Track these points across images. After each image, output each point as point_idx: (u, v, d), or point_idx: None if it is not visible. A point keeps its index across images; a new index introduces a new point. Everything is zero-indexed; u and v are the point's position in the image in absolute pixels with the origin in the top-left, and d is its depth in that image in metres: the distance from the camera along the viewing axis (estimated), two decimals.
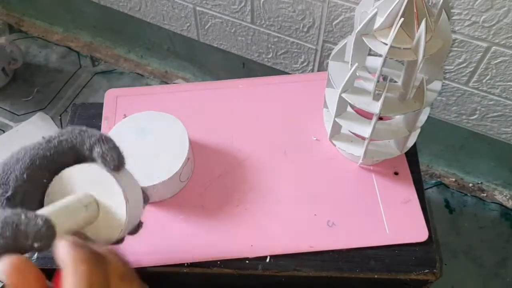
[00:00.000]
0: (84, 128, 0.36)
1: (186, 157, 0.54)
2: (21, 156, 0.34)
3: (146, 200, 0.40)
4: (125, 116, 0.64)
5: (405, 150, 0.57)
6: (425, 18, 0.42)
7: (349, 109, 0.55)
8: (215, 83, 0.68)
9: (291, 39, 0.90)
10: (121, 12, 1.07)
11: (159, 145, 0.56)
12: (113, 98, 0.66)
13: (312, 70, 0.95)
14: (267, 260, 0.53)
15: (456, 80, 0.81)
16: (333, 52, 0.52)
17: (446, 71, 0.79)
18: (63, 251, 0.29)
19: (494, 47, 0.72)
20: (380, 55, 0.44)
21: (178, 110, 0.60)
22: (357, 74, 0.50)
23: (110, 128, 0.63)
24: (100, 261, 0.30)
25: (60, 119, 1.15)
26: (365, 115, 0.54)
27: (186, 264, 0.52)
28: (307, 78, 0.68)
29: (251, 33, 0.94)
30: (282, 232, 0.54)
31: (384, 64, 0.45)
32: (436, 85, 0.51)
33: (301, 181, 0.58)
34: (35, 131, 1.12)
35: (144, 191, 0.40)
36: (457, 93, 0.83)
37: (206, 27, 0.98)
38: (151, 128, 0.57)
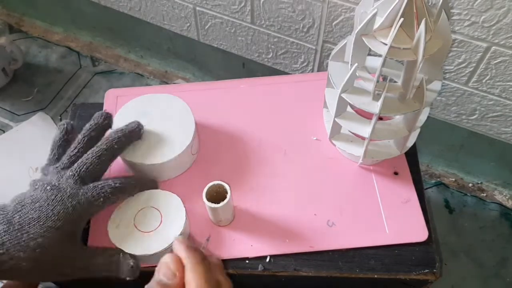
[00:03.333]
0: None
1: (194, 130, 0.56)
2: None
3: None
4: None
5: (405, 150, 0.57)
6: (424, 18, 0.42)
7: (349, 109, 0.55)
8: (215, 83, 0.68)
9: (291, 39, 0.90)
10: (121, 12, 1.08)
11: (165, 123, 0.57)
12: (114, 98, 0.66)
13: (312, 70, 0.95)
14: (267, 260, 0.53)
15: (455, 80, 0.81)
16: (333, 52, 0.53)
17: (446, 71, 0.79)
18: (182, 254, 0.40)
19: (493, 47, 0.72)
20: (380, 55, 0.44)
21: None
22: (357, 74, 0.51)
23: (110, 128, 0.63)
24: (208, 262, 0.41)
25: (60, 119, 1.15)
26: (365, 115, 0.54)
27: None
28: (307, 78, 0.68)
29: (251, 33, 0.94)
30: (282, 232, 0.54)
31: (383, 64, 0.45)
32: (436, 85, 0.51)
33: (301, 181, 0.58)
34: (35, 131, 1.12)
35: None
36: (456, 93, 0.83)
37: (206, 27, 0.98)
38: (154, 108, 0.58)
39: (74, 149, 0.50)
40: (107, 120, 0.54)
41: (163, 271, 0.39)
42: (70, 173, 0.47)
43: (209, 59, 1.11)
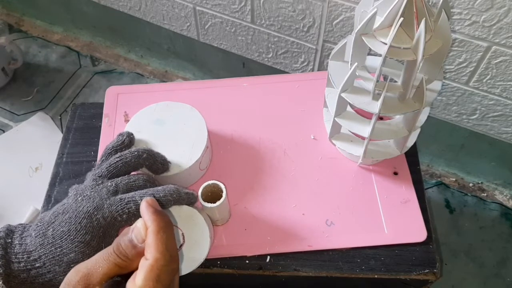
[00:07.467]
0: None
1: (205, 145, 0.55)
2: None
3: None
4: (125, 113, 0.64)
5: (405, 150, 0.57)
6: (424, 18, 0.42)
7: (349, 108, 0.55)
8: (215, 82, 0.68)
9: (291, 39, 0.90)
10: (121, 12, 1.08)
11: (177, 134, 0.56)
12: (114, 96, 0.66)
13: (312, 70, 0.95)
14: (267, 260, 0.53)
15: (456, 80, 0.81)
16: (333, 52, 0.52)
17: (447, 70, 0.79)
18: (146, 217, 0.38)
19: (494, 47, 0.72)
20: (380, 55, 0.44)
21: None
22: (357, 73, 0.50)
23: (110, 125, 0.63)
24: (172, 229, 0.39)
25: (60, 119, 1.15)
26: (365, 115, 0.54)
27: None
28: (307, 77, 0.68)
29: (251, 33, 0.94)
30: (281, 232, 0.54)
31: (383, 63, 0.45)
32: (436, 85, 0.51)
33: (301, 181, 0.58)
34: (35, 131, 1.12)
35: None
36: (457, 93, 0.83)
37: (206, 26, 0.98)
38: (168, 117, 0.57)
39: (117, 157, 0.49)
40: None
41: (135, 232, 0.38)
42: (105, 183, 0.47)
43: (209, 58, 1.11)
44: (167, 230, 0.38)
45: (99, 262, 0.37)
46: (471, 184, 1.03)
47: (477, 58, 0.75)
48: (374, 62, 0.53)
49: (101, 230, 0.44)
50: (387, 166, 0.59)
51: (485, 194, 1.02)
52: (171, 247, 0.37)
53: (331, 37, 0.85)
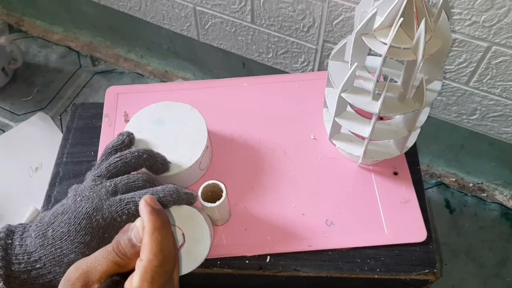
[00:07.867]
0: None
1: (205, 145, 0.55)
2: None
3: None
4: (126, 113, 0.64)
5: (405, 150, 0.57)
6: (424, 18, 0.42)
7: (349, 108, 0.55)
8: (215, 82, 0.68)
9: (291, 39, 0.90)
10: (121, 11, 1.08)
11: (178, 134, 0.56)
12: (114, 96, 0.66)
13: (312, 70, 0.95)
14: (267, 260, 0.53)
15: (456, 80, 0.81)
16: (333, 52, 0.52)
17: (447, 70, 0.79)
18: (143, 217, 0.37)
19: (494, 47, 0.72)
20: (380, 55, 0.44)
21: None
22: (357, 73, 0.50)
23: (110, 125, 0.63)
24: (170, 228, 0.38)
25: (60, 119, 1.15)
26: (365, 115, 0.54)
27: None
28: (308, 77, 0.68)
29: (251, 33, 0.94)
30: (281, 232, 0.54)
31: (383, 63, 0.45)
32: (436, 85, 0.51)
33: (301, 181, 0.58)
34: (35, 131, 1.12)
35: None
36: (457, 93, 0.83)
37: (206, 26, 0.98)
38: (169, 117, 0.57)
39: (117, 157, 0.49)
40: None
41: (134, 231, 0.38)
42: (104, 183, 0.47)
43: (209, 58, 1.11)
44: (163, 230, 0.37)
45: (99, 260, 0.37)
46: (471, 184, 1.03)
47: (477, 58, 0.75)
48: (374, 62, 0.53)
49: (100, 231, 0.44)
50: (387, 166, 0.59)
51: (485, 194, 1.02)
52: (166, 247, 0.37)
53: (331, 37, 0.85)
